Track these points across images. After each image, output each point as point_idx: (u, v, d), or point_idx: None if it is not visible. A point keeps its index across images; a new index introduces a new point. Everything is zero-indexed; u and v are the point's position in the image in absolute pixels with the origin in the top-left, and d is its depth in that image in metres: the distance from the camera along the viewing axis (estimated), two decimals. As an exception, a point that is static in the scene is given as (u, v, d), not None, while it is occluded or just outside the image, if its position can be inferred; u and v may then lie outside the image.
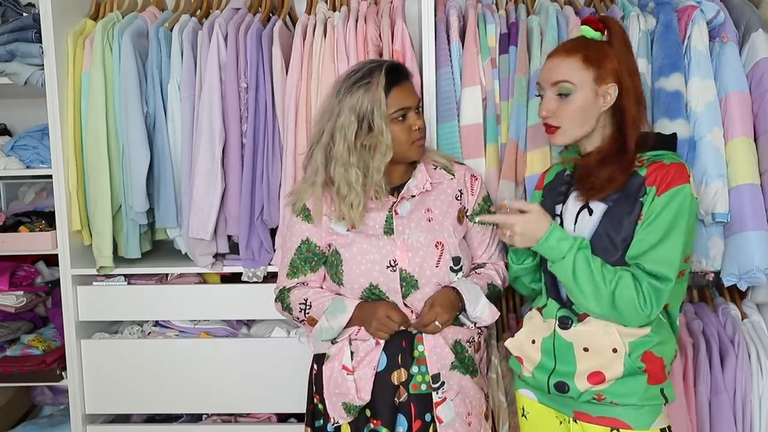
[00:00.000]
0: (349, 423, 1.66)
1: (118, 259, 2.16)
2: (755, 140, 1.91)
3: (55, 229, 2.16)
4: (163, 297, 2.18)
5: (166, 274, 2.25)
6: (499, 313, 1.69)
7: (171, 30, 2.09)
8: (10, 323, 2.34)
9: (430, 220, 1.67)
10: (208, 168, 2.00)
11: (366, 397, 1.62)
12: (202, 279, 2.24)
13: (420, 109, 1.70)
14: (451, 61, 1.99)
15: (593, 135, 1.53)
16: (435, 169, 1.74)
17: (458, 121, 1.98)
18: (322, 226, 1.70)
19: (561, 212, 1.57)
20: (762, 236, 1.84)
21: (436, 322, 1.59)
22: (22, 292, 2.33)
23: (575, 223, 1.53)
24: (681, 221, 1.41)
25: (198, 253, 2.09)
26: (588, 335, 1.48)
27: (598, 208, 1.49)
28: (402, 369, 1.63)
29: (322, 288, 1.72)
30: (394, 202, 1.68)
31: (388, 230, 1.66)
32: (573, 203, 1.55)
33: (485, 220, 1.63)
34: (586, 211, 1.51)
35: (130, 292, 2.18)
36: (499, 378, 2.01)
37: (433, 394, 1.63)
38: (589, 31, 1.52)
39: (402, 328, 1.62)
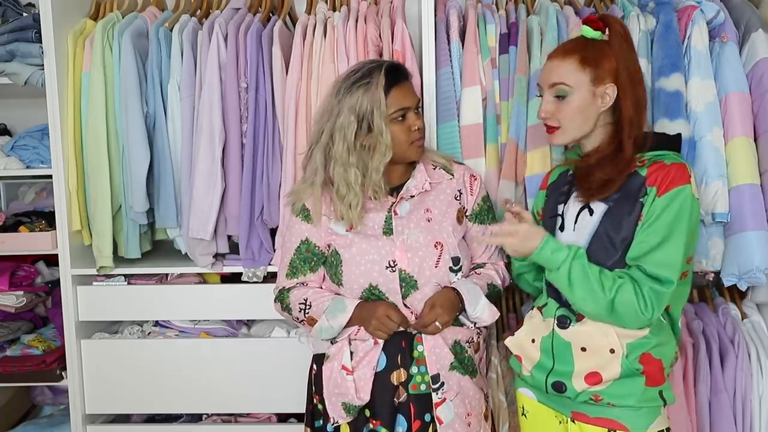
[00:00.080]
0: (348, 423, 1.66)
1: (118, 259, 2.16)
2: (755, 140, 1.91)
3: (55, 229, 2.16)
4: (163, 297, 2.18)
5: (166, 274, 2.25)
6: (499, 314, 1.69)
7: (171, 30, 2.09)
8: (10, 323, 2.35)
9: (429, 221, 1.67)
10: (208, 168, 2.00)
11: (365, 397, 1.62)
12: (202, 279, 2.24)
13: (419, 109, 1.70)
14: (451, 61, 1.99)
15: (593, 135, 1.53)
16: (434, 169, 1.74)
17: (458, 121, 1.98)
18: (321, 227, 1.70)
19: (563, 212, 1.57)
20: (762, 236, 1.84)
21: (437, 323, 1.59)
22: (22, 292, 2.33)
23: (576, 223, 1.53)
24: (682, 222, 1.40)
25: (198, 253, 2.09)
26: (586, 335, 1.48)
27: (599, 208, 1.49)
28: (401, 369, 1.63)
29: (321, 288, 1.72)
30: (393, 203, 1.68)
31: (387, 231, 1.66)
32: (574, 203, 1.55)
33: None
34: (586, 211, 1.51)
35: (130, 292, 2.18)
36: (499, 378, 2.01)
37: (433, 394, 1.63)
38: (589, 31, 1.52)
39: (401, 328, 1.62)
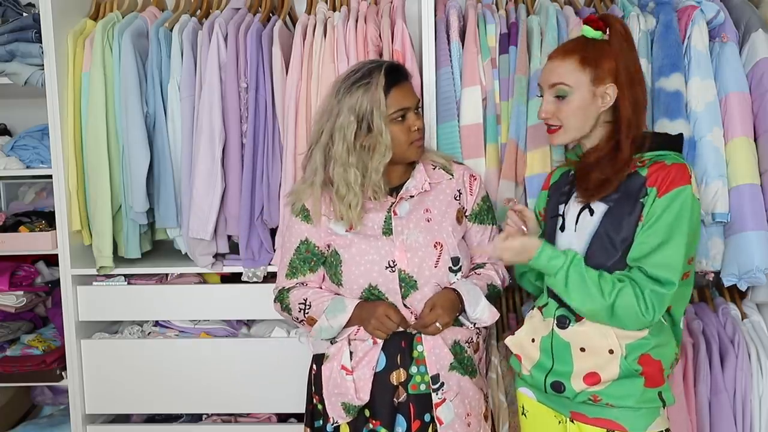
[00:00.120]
0: (348, 423, 1.66)
1: (118, 259, 2.16)
2: (755, 140, 1.91)
3: (55, 229, 2.16)
4: (163, 297, 2.18)
5: (166, 274, 2.24)
6: (499, 314, 1.69)
7: (171, 30, 2.09)
8: (10, 323, 2.35)
9: (428, 221, 1.67)
10: (208, 168, 2.00)
11: (365, 397, 1.62)
12: (202, 279, 2.24)
13: (419, 109, 1.70)
14: (451, 61, 1.99)
15: (593, 134, 1.53)
16: (434, 169, 1.74)
17: (458, 121, 1.98)
18: (321, 227, 1.70)
19: (563, 212, 1.57)
20: (762, 236, 1.84)
21: (437, 324, 1.59)
22: (22, 292, 2.33)
23: (576, 223, 1.53)
24: (682, 223, 1.40)
25: (198, 253, 2.09)
26: (585, 336, 1.48)
27: (599, 208, 1.49)
28: (401, 369, 1.63)
29: (321, 288, 1.72)
30: (393, 203, 1.68)
31: (387, 231, 1.66)
32: (574, 203, 1.55)
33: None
34: (587, 211, 1.51)
35: (130, 292, 2.18)
36: (499, 378, 2.01)
37: (433, 395, 1.63)
38: (589, 31, 1.51)
39: (401, 328, 1.62)
